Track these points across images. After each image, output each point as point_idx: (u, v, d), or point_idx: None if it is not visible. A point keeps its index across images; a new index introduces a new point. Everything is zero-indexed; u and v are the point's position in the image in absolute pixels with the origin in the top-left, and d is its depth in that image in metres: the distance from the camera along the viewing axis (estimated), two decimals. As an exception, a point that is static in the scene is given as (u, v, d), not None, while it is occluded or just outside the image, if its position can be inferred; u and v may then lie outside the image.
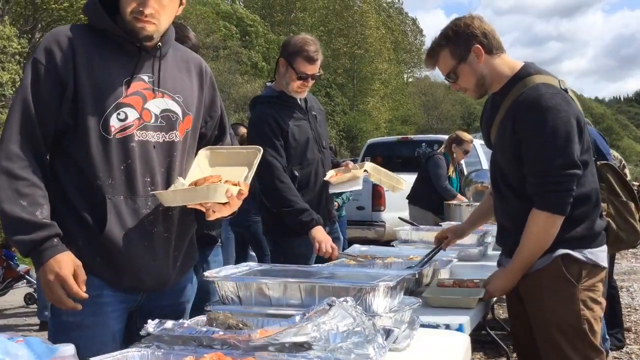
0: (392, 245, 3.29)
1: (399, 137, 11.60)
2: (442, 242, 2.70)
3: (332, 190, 3.18)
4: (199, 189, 1.70)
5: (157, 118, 1.73)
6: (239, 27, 30.00)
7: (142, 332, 1.39)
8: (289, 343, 1.25)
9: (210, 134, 1.94)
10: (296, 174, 3.00)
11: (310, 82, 3.05)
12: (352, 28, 34.38)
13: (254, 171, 1.81)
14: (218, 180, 1.70)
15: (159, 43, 1.74)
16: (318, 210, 3.04)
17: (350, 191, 3.78)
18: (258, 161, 1.83)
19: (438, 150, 6.21)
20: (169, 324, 1.41)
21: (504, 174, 2.22)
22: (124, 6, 1.66)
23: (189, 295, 1.93)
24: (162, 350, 1.32)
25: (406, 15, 45.29)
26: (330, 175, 3.17)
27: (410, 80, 45.08)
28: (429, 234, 3.39)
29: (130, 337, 1.71)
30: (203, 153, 1.86)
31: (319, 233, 2.87)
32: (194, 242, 1.93)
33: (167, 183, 1.76)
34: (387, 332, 1.46)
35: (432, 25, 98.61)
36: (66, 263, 1.57)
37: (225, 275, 1.79)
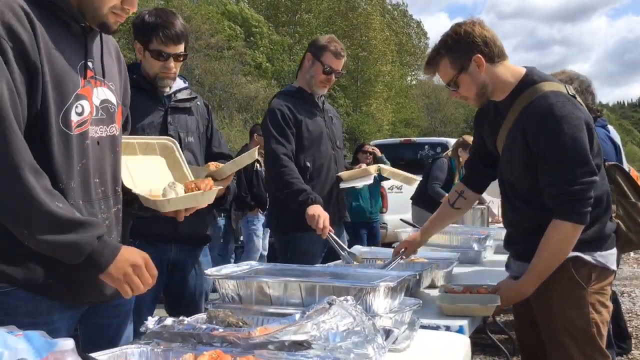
0: (394, 247, 3.28)
1: (402, 139, 11.61)
2: (399, 253, 2.54)
3: (343, 185, 3.30)
4: (206, 194, 1.78)
5: (97, 110, 1.54)
6: (244, 28, 30.00)
7: (142, 329, 1.39)
8: (289, 342, 1.25)
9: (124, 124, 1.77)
10: (308, 164, 3.12)
11: (334, 79, 3.24)
12: (357, 30, 34.36)
13: (185, 163, 1.94)
14: (211, 185, 1.83)
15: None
16: (328, 206, 3.09)
17: (362, 185, 3.93)
18: (182, 154, 1.97)
19: (444, 154, 6.25)
20: (169, 320, 1.41)
21: (513, 185, 2.18)
22: None
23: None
24: (162, 347, 1.32)
25: (410, 18, 45.25)
26: (342, 172, 3.30)
27: (413, 82, 45.04)
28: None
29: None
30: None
31: (312, 209, 2.92)
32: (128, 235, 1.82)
33: (114, 182, 1.62)
34: (387, 333, 1.46)
35: (436, 28, 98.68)
36: (133, 252, 1.48)
37: (226, 273, 1.80)
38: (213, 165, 2.27)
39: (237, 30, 29.06)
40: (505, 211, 2.28)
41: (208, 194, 1.80)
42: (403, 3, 45.54)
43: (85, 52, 1.51)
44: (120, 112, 1.66)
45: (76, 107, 1.48)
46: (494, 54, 2.13)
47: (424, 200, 5.91)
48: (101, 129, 1.56)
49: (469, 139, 6.16)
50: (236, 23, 29.70)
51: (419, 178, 5.39)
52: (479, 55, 2.11)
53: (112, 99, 1.61)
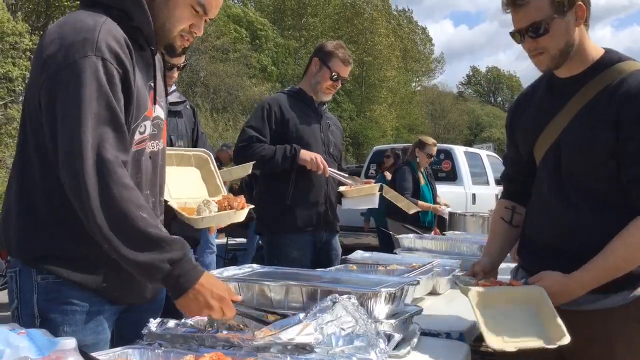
0: (395, 253, 3.28)
1: (405, 144, 11.59)
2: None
3: (346, 207, 3.25)
4: (238, 213, 1.88)
5: (152, 126, 1.61)
6: (249, 31, 30.09)
7: (144, 331, 1.39)
8: (291, 345, 1.25)
9: None
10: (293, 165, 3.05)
11: (339, 85, 3.22)
12: (362, 35, 34.42)
13: (219, 177, 2.01)
14: (244, 203, 1.93)
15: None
16: (313, 210, 3.10)
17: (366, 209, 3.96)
18: (216, 166, 2.07)
19: (404, 161, 6.19)
20: (171, 323, 1.41)
21: (571, 175, 1.79)
22: (174, 20, 1.54)
23: (164, 291, 1.82)
24: (163, 348, 1.33)
25: (416, 24, 45.34)
26: (345, 188, 3.23)
27: (418, 88, 45.08)
28: (432, 242, 3.39)
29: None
30: None
31: (306, 154, 2.99)
32: None
33: (160, 194, 1.69)
34: (388, 338, 1.46)
35: (441, 35, 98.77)
36: (217, 282, 1.47)
37: (227, 276, 1.80)
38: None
39: (243, 33, 29.14)
40: (547, 211, 1.86)
41: (240, 213, 1.90)
42: (409, 9, 45.68)
43: (154, 75, 1.59)
44: (165, 126, 1.73)
45: (140, 126, 1.54)
46: (589, 15, 1.77)
47: (397, 213, 5.51)
48: (153, 144, 1.63)
49: (425, 138, 6.19)
50: (242, 26, 29.78)
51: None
52: (582, 4, 1.73)
53: (162, 115, 1.68)
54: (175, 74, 2.67)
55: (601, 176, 1.73)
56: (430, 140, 6.11)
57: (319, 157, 2.99)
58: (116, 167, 1.37)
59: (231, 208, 1.90)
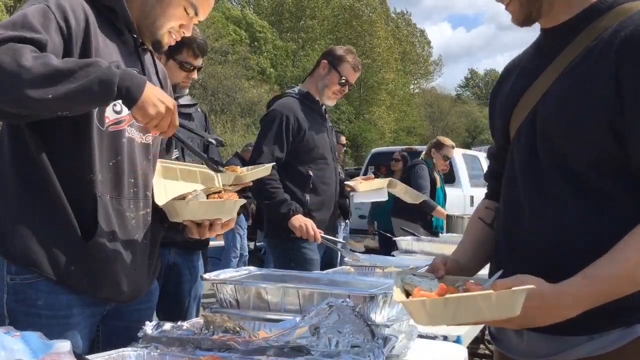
0: (393, 255, 3.28)
1: (404, 147, 11.61)
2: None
3: (357, 200, 3.29)
4: (227, 203, 1.71)
5: None
6: (248, 33, 30.11)
7: (140, 334, 1.39)
8: (287, 348, 1.25)
9: (159, 142, 1.84)
10: (310, 173, 3.07)
11: (345, 91, 3.20)
12: (361, 37, 34.46)
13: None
14: (235, 197, 1.75)
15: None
16: (327, 217, 3.11)
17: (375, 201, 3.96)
18: (220, 183, 1.96)
19: (419, 159, 5.84)
20: (167, 326, 1.41)
21: (556, 157, 1.28)
22: (165, 17, 1.58)
23: (155, 299, 1.87)
24: (159, 351, 1.32)
25: (414, 27, 45.39)
26: (355, 183, 3.26)
27: (416, 91, 45.14)
28: (430, 245, 3.39)
29: (91, 346, 1.63)
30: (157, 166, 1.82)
31: (297, 220, 2.93)
32: (157, 251, 1.84)
33: (145, 187, 1.68)
34: (385, 341, 1.46)
35: (439, 37, 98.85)
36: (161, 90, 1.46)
37: (224, 278, 1.80)
38: (239, 170, 2.40)
39: (242, 35, 29.16)
40: (524, 209, 1.34)
41: (229, 202, 1.74)
42: (407, 12, 45.74)
43: (141, 64, 1.62)
44: None
45: (114, 105, 1.53)
46: None
47: (403, 211, 5.45)
48: (140, 135, 1.65)
49: (443, 139, 5.88)
50: (241, 28, 29.81)
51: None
52: None
53: None
54: (195, 76, 2.69)
55: (593, 157, 1.24)
56: (449, 141, 5.83)
57: (309, 224, 2.94)
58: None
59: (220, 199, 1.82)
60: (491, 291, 1.09)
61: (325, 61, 3.15)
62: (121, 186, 1.58)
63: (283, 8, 34.61)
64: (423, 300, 1.11)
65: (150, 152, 1.71)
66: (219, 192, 1.80)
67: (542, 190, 1.30)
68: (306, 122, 3.06)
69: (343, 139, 8.30)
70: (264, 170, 2.56)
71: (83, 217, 1.51)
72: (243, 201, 1.78)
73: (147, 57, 1.72)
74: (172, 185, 1.85)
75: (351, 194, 3.39)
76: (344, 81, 3.12)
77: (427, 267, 1.43)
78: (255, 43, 30.11)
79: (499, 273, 1.22)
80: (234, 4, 34.10)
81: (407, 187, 3.81)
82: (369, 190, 3.36)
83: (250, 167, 2.60)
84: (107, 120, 1.54)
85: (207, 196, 1.77)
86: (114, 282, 1.59)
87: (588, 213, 1.24)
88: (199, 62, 2.67)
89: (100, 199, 1.52)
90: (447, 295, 1.10)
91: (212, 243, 8.91)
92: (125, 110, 1.54)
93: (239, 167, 2.46)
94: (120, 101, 1.45)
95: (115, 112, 1.56)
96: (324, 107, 3.30)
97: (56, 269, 1.50)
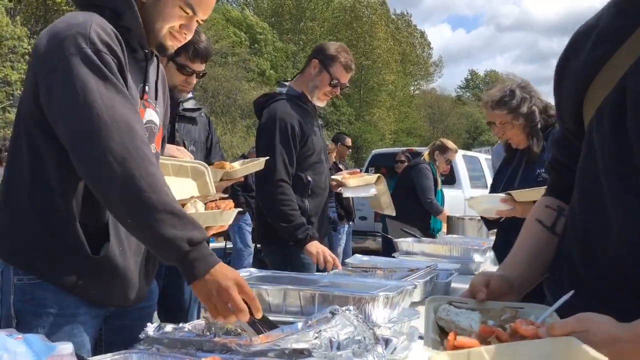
0: (394, 257, 3.28)
1: (404, 148, 11.62)
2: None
3: (346, 194, 3.22)
4: (225, 213, 1.75)
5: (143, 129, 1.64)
6: (248, 35, 30.14)
7: (141, 335, 1.39)
8: (289, 350, 1.25)
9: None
10: (309, 179, 2.97)
11: (337, 92, 3.02)
12: (361, 39, 34.50)
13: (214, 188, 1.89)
14: (231, 206, 1.79)
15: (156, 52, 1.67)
16: (322, 218, 3.07)
17: (364, 197, 3.83)
18: (211, 178, 1.93)
19: (422, 159, 5.72)
20: (169, 327, 1.41)
21: None
22: (163, 18, 1.58)
23: (155, 298, 1.88)
24: (160, 352, 1.32)
25: (415, 28, 45.40)
26: (343, 176, 3.20)
27: (416, 92, 45.15)
28: (431, 246, 3.39)
29: (94, 346, 1.63)
30: None
31: (313, 247, 2.80)
32: None
33: None
34: (386, 342, 1.46)
35: (439, 39, 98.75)
36: (233, 271, 1.41)
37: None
38: (228, 166, 2.40)
39: (242, 36, 29.19)
40: (599, 214, 1.07)
41: (227, 213, 1.80)
42: (407, 13, 45.79)
43: (145, 76, 1.62)
44: (161, 134, 1.74)
45: None
46: None
47: (399, 212, 5.10)
48: (154, 147, 1.65)
49: (446, 142, 5.79)
50: (241, 30, 29.84)
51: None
52: None
53: (156, 120, 1.69)
54: (194, 80, 2.65)
55: None
56: (452, 145, 5.73)
57: (326, 252, 2.80)
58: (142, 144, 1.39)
59: (218, 209, 1.84)
60: None
61: (316, 60, 2.95)
62: None
63: (283, 10, 34.65)
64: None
65: (158, 162, 1.70)
66: (215, 200, 1.83)
67: (635, 190, 1.00)
68: (307, 126, 2.94)
69: (348, 141, 8.23)
70: (257, 164, 2.53)
71: (94, 234, 1.52)
72: (239, 210, 1.83)
73: (153, 65, 1.71)
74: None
75: (340, 189, 3.34)
76: (335, 82, 2.96)
77: (460, 294, 1.20)
78: (256, 45, 30.13)
79: (568, 296, 0.98)
80: (234, 5, 34.14)
81: (388, 192, 3.71)
82: (358, 185, 3.31)
83: (240, 161, 2.63)
84: None
85: (205, 204, 1.82)
86: (121, 292, 1.60)
87: None
88: (198, 66, 2.61)
89: (111, 216, 1.52)
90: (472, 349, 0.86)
91: (212, 244, 8.94)
92: None
93: (227, 162, 2.47)
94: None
95: None
96: (312, 105, 3.15)
97: (64, 281, 1.51)
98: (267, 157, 2.70)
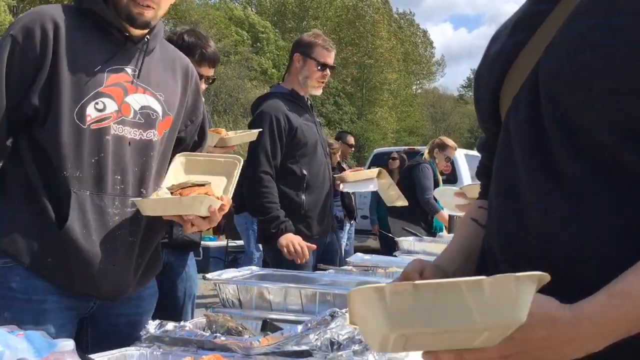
0: (395, 255, 3.28)
1: (406, 147, 11.61)
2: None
3: (346, 189, 3.26)
4: (184, 199, 1.58)
5: (136, 114, 1.63)
6: (251, 33, 30.14)
7: (142, 333, 1.39)
8: (290, 352, 1.25)
9: (189, 140, 1.85)
10: (304, 172, 3.01)
11: (328, 75, 3.08)
12: (363, 38, 34.48)
13: (234, 184, 1.71)
14: (205, 192, 1.61)
15: (147, 36, 1.66)
16: (323, 216, 3.07)
17: (365, 191, 3.90)
18: (238, 173, 1.75)
19: (422, 159, 5.68)
20: (170, 325, 1.41)
21: (571, 126, 0.92)
22: None
23: (147, 306, 1.81)
24: (161, 350, 1.33)
25: (417, 27, 45.36)
26: (344, 173, 3.25)
27: (418, 91, 45.13)
28: (432, 245, 3.39)
29: (80, 345, 1.58)
30: (178, 159, 1.75)
31: (283, 239, 2.83)
32: (159, 249, 1.83)
33: (140, 184, 1.66)
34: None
35: (441, 38, 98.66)
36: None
37: (226, 278, 1.80)
38: (223, 132, 2.44)
39: (244, 35, 29.19)
40: (516, 204, 0.99)
41: (188, 199, 1.58)
42: (410, 12, 45.77)
43: (119, 58, 1.62)
44: (168, 123, 1.72)
45: (96, 103, 1.57)
46: None
47: (401, 211, 5.15)
48: (136, 132, 1.63)
49: (446, 139, 5.78)
50: (243, 28, 29.84)
51: None
52: None
53: (157, 107, 1.68)
54: (203, 86, 2.64)
55: (627, 122, 0.87)
56: (452, 142, 5.72)
57: (295, 240, 2.82)
58: None
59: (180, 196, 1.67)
60: (483, 277, 0.72)
61: (297, 53, 3.07)
62: (104, 183, 1.58)
63: (286, 8, 34.65)
64: (381, 287, 0.72)
65: (152, 149, 1.67)
66: (186, 187, 1.66)
67: (552, 174, 0.93)
68: (296, 119, 3.01)
69: (351, 139, 8.19)
70: (251, 135, 2.61)
71: (59, 212, 1.54)
72: (204, 197, 1.58)
73: (152, 54, 1.70)
74: (194, 180, 1.74)
75: (340, 184, 3.36)
76: (322, 65, 3.02)
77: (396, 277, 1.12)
78: (258, 44, 30.13)
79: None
80: (236, 4, 34.14)
81: (393, 184, 3.76)
82: (357, 180, 3.35)
83: (237, 132, 2.69)
84: (88, 119, 1.56)
85: (174, 193, 1.65)
86: (88, 276, 1.58)
87: (618, 204, 0.88)
88: (206, 71, 2.57)
89: (76, 194, 1.54)
90: (418, 282, 0.73)
91: (213, 243, 8.94)
92: (109, 108, 1.58)
93: (223, 130, 2.50)
94: (102, 99, 1.56)
95: (97, 110, 1.57)
96: (309, 102, 3.24)
97: (31, 258, 1.53)
98: (260, 130, 2.78)
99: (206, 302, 6.06)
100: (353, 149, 8.60)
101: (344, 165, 7.36)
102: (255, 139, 2.67)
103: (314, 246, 2.84)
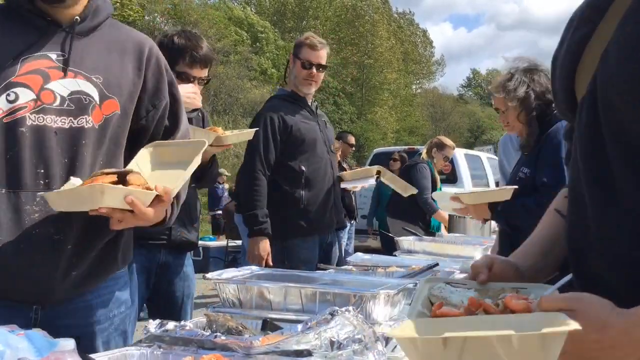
0: (395, 255, 3.28)
1: (406, 147, 11.61)
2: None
3: (344, 185, 3.38)
4: (81, 189, 1.39)
5: (63, 100, 1.51)
6: (250, 33, 30.14)
7: (143, 332, 1.39)
8: (290, 351, 1.25)
9: (154, 127, 1.67)
10: (303, 168, 3.10)
11: (316, 74, 3.17)
12: (363, 37, 34.48)
13: (191, 169, 1.53)
14: (111, 181, 1.40)
15: (77, 17, 1.54)
16: (325, 211, 3.11)
17: (364, 187, 4.08)
18: (200, 157, 1.54)
19: (420, 158, 5.71)
20: (171, 325, 1.41)
21: (622, 137, 0.89)
22: None
23: (100, 317, 1.63)
24: (162, 350, 1.33)
25: (417, 27, 45.37)
26: (342, 172, 3.45)
27: (418, 91, 45.13)
28: (432, 245, 3.39)
29: None
30: (146, 150, 1.58)
31: (253, 240, 3.02)
32: (113, 251, 1.64)
33: (66, 175, 1.50)
34: (386, 340, 1.46)
35: (441, 38, 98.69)
36: None
37: (226, 277, 1.80)
38: (220, 131, 2.45)
39: (244, 35, 29.19)
40: (587, 207, 0.96)
41: (84, 190, 1.39)
42: (410, 12, 45.75)
43: (37, 44, 1.52)
44: (110, 107, 1.57)
45: (7, 95, 1.47)
46: None
47: (401, 211, 5.34)
48: (64, 120, 1.51)
49: (444, 139, 5.80)
50: (242, 28, 29.84)
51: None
52: None
53: (92, 91, 1.55)
54: (198, 87, 2.63)
55: None
56: (450, 142, 5.75)
57: (261, 247, 3.01)
58: None
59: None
60: (512, 332, 0.73)
61: (292, 55, 3.24)
62: (20, 179, 1.46)
63: (285, 8, 34.64)
64: (413, 338, 0.80)
65: (85, 137, 1.53)
66: (100, 175, 1.44)
67: (606, 185, 0.90)
68: (292, 118, 3.12)
69: (351, 139, 8.21)
70: (246, 134, 2.67)
71: None
72: (104, 187, 1.36)
73: (89, 37, 1.59)
74: (160, 174, 1.57)
75: (340, 184, 3.47)
76: (307, 64, 3.14)
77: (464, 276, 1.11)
78: (257, 43, 30.13)
79: (566, 279, 0.93)
80: (236, 4, 34.14)
81: (397, 177, 3.96)
82: (354, 177, 3.52)
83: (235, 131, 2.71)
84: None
85: (84, 184, 1.47)
86: (2, 277, 1.47)
87: None
88: (198, 72, 2.55)
89: None
90: (447, 335, 0.76)
91: (213, 243, 8.94)
92: (23, 98, 1.48)
93: (220, 128, 2.52)
94: (15, 90, 1.46)
95: (8, 101, 1.47)
96: (315, 103, 3.34)
97: None
98: (257, 129, 2.89)
99: (206, 302, 6.07)
100: (353, 148, 8.60)
101: (345, 165, 7.37)
102: (251, 137, 2.75)
103: (270, 263, 3.01)
